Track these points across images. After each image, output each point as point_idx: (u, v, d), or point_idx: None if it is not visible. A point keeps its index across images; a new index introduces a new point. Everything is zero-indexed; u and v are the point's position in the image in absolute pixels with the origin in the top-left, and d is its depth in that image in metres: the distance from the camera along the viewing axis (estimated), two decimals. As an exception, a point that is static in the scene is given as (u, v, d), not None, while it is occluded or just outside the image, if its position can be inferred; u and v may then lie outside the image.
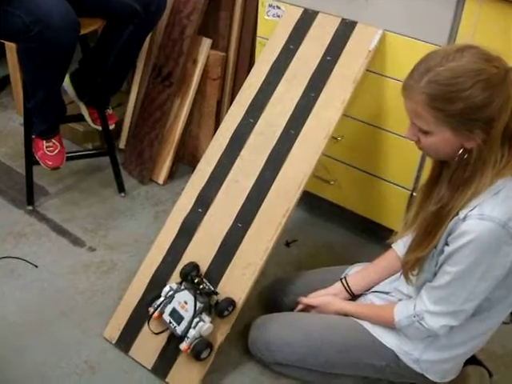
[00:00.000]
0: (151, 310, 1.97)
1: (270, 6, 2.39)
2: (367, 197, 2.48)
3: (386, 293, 1.91)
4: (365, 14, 2.16)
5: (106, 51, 2.64)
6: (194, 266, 1.99)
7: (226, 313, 1.92)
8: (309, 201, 2.65)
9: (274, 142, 2.08)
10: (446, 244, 1.58)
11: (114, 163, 2.82)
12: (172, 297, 1.95)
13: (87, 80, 2.74)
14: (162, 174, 2.96)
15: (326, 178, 2.51)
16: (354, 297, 1.99)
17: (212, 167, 2.13)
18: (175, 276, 2.04)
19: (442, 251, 1.59)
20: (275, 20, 2.38)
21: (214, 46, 2.84)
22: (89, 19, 2.47)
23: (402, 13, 2.09)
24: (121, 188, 2.87)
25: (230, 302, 1.92)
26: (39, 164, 2.64)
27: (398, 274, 1.92)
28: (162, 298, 1.96)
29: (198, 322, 1.89)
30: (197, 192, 2.11)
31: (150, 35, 2.85)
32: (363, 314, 1.88)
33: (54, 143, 2.61)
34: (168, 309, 1.94)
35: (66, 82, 2.77)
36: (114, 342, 2.10)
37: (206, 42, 2.82)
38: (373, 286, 1.97)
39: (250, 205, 2.02)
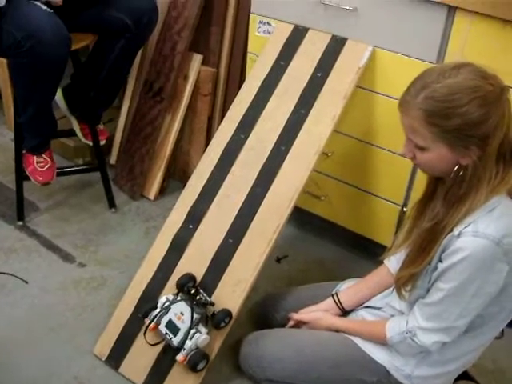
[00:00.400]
0: (147, 321, 1.95)
1: (261, 22, 2.40)
2: (358, 212, 2.49)
3: (378, 308, 1.91)
4: (355, 31, 2.18)
5: (97, 66, 2.65)
6: (190, 277, 1.99)
7: (222, 324, 1.91)
8: (299, 217, 2.65)
9: (265, 158, 2.09)
10: (440, 261, 1.58)
11: (105, 179, 2.81)
12: (168, 308, 1.93)
13: (79, 95, 2.74)
14: (153, 190, 2.96)
15: (317, 193, 2.51)
16: (345, 313, 1.99)
17: (203, 183, 2.13)
18: (166, 292, 2.03)
19: (436, 268, 1.59)
20: (266, 36, 2.39)
21: (204, 62, 2.85)
22: (80, 34, 2.47)
23: (391, 29, 2.10)
24: (111, 203, 2.87)
25: (227, 314, 1.92)
26: (30, 179, 2.63)
27: (390, 289, 1.92)
28: (158, 309, 1.95)
29: (194, 334, 1.88)
30: (187, 208, 2.11)
31: (141, 51, 2.86)
32: (354, 330, 1.87)
33: (44, 159, 2.61)
34: (164, 320, 1.93)
35: (58, 96, 2.77)
36: (104, 358, 2.09)
37: (197, 58, 2.83)
38: (364, 302, 1.97)
39: (240, 220, 2.02)
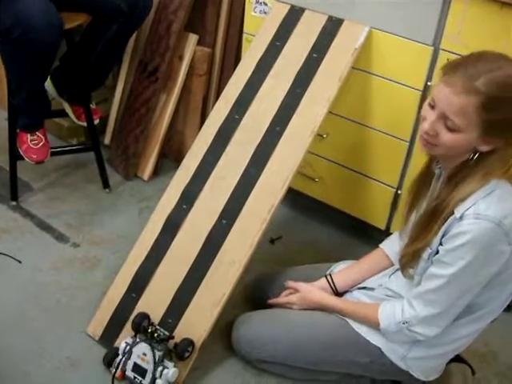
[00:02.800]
0: (112, 370, 1.94)
1: (257, 2, 2.39)
2: (352, 194, 2.49)
3: (371, 289, 1.91)
4: (351, 12, 2.16)
5: (89, 48, 2.63)
6: (143, 316, 1.96)
7: (186, 354, 1.90)
8: (294, 198, 2.65)
9: (260, 139, 2.08)
10: (441, 244, 1.58)
11: (99, 159, 2.80)
12: (130, 352, 1.92)
13: (68, 77, 2.72)
14: (147, 170, 2.95)
15: (311, 175, 2.51)
16: (338, 294, 1.99)
17: (197, 163, 2.12)
18: (158, 274, 2.03)
19: (437, 251, 1.59)
20: (262, 16, 2.38)
21: (200, 42, 2.83)
22: (74, 14, 2.46)
23: (388, 11, 2.09)
24: (105, 184, 2.86)
25: (189, 343, 1.90)
26: (23, 159, 2.62)
27: (386, 271, 1.93)
28: (120, 356, 1.93)
29: (162, 371, 1.87)
30: (181, 188, 2.10)
31: (136, 31, 2.84)
32: (345, 310, 1.88)
33: (38, 136, 2.60)
34: (129, 365, 1.92)
35: (47, 81, 2.75)
36: (97, 338, 2.09)
37: (193, 38, 2.82)
38: (358, 284, 1.97)
39: (234, 201, 2.02)
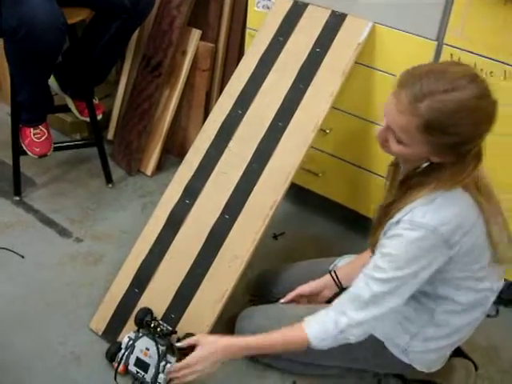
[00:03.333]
0: (115, 364, 1.94)
1: (260, -3, 2.39)
2: (355, 190, 2.48)
3: None
4: (355, 7, 2.15)
5: (91, 43, 2.63)
6: (146, 311, 1.98)
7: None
8: (296, 193, 2.65)
9: (263, 134, 2.08)
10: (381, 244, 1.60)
11: (102, 154, 2.80)
12: (133, 346, 1.92)
13: (70, 72, 2.72)
14: (150, 166, 2.95)
15: (314, 170, 2.50)
16: (342, 289, 1.98)
17: (200, 158, 2.12)
18: (161, 269, 2.03)
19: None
20: (265, 11, 2.37)
21: (203, 37, 2.83)
22: (77, 9, 2.46)
23: (391, 6, 2.08)
24: (108, 179, 2.86)
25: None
26: (26, 154, 2.62)
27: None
28: (123, 350, 1.94)
29: (164, 366, 1.87)
30: (184, 183, 2.10)
31: (139, 27, 2.83)
32: (264, 342, 1.75)
33: (41, 130, 2.60)
34: (132, 359, 1.92)
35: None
36: (100, 333, 2.09)
37: (196, 33, 2.81)
38: None
39: (237, 196, 2.02)
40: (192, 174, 2.11)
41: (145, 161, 2.97)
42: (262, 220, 1.96)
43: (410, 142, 1.47)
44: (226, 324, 2.08)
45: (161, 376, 1.87)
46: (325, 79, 2.10)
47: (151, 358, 1.88)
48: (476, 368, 2.01)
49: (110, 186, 2.87)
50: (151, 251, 2.08)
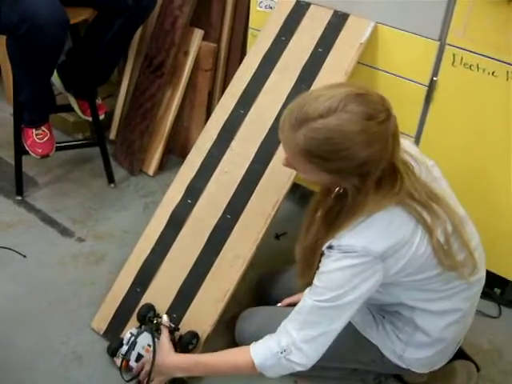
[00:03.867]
0: (117, 360, 1.95)
1: (262, -3, 2.39)
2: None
3: None
4: (357, 6, 2.15)
5: (94, 43, 2.63)
6: (149, 307, 1.98)
7: (191, 346, 1.90)
8: (298, 193, 2.64)
9: (265, 134, 2.07)
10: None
11: (104, 154, 2.80)
12: (134, 342, 1.93)
13: (74, 71, 2.72)
14: (152, 166, 2.95)
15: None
16: None
17: (202, 158, 2.12)
18: (163, 268, 2.03)
19: None
20: (267, 11, 2.37)
21: (205, 37, 2.83)
22: (80, 8, 2.46)
23: (394, 5, 2.08)
24: (110, 179, 2.86)
25: (194, 335, 1.91)
26: (28, 154, 2.62)
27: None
28: (124, 346, 1.94)
29: None
30: (186, 183, 2.10)
31: (141, 26, 2.83)
32: (209, 361, 1.76)
33: (43, 130, 2.60)
34: (133, 355, 1.92)
35: (53, 75, 2.75)
36: (101, 332, 2.09)
37: (198, 33, 2.81)
38: None
39: (239, 196, 2.02)
40: (194, 173, 2.11)
41: (147, 161, 2.97)
42: (264, 220, 1.96)
43: (304, 170, 1.47)
44: (227, 324, 2.09)
45: None
46: (327, 79, 2.09)
47: (152, 355, 1.88)
48: (478, 369, 2.00)
49: (112, 185, 2.87)
50: (153, 251, 2.08)
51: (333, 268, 1.50)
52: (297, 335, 1.57)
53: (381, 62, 2.18)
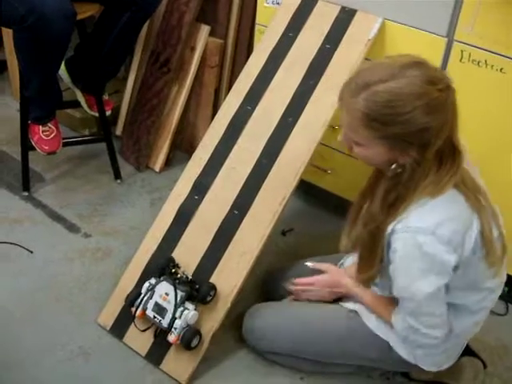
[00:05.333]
0: (133, 309, 1.95)
1: (270, -7, 2.38)
2: (364, 186, 2.47)
3: None
4: (365, 2, 2.15)
5: (102, 38, 2.63)
6: (168, 259, 1.99)
7: (208, 298, 1.91)
8: (305, 190, 2.64)
9: (272, 130, 2.07)
10: (389, 260, 1.57)
11: (111, 150, 2.81)
12: (152, 291, 1.93)
13: (82, 66, 2.72)
14: (159, 162, 2.95)
15: (323, 166, 2.49)
16: None
17: (209, 154, 2.12)
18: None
19: (390, 262, 1.58)
20: (275, 7, 2.37)
21: (212, 34, 2.82)
22: (86, 4, 2.46)
23: (402, 1, 2.07)
24: (117, 175, 2.86)
25: (211, 287, 1.92)
26: (35, 150, 2.63)
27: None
28: (142, 295, 1.95)
29: (182, 311, 1.88)
30: (193, 179, 2.10)
31: (148, 21, 2.83)
32: (371, 306, 1.83)
33: (50, 127, 2.60)
34: (150, 304, 1.93)
35: (62, 69, 2.76)
36: (108, 328, 2.09)
37: (205, 29, 2.81)
38: None
39: (246, 192, 2.01)
40: (201, 169, 2.11)
41: (153, 157, 2.97)
42: (271, 216, 1.95)
43: (363, 141, 1.46)
44: (235, 320, 2.09)
45: (177, 322, 1.88)
46: (334, 75, 2.09)
47: (169, 304, 1.89)
48: (485, 366, 2.00)
49: (119, 181, 2.87)
50: (160, 247, 2.08)
51: (400, 254, 1.50)
52: (414, 322, 1.61)
53: (388, 59, 2.17)
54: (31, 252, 2.43)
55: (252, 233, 1.96)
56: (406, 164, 1.46)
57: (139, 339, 2.02)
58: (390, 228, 1.50)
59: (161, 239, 2.08)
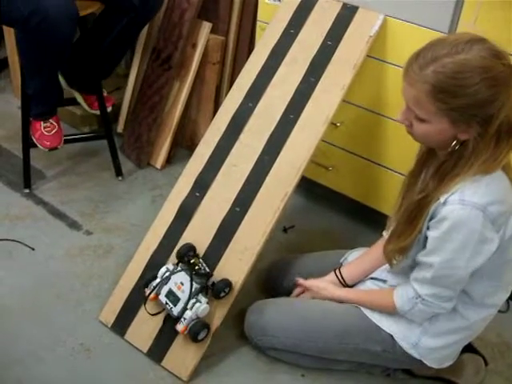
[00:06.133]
0: (147, 291, 1.96)
1: (271, -11, 2.38)
2: (365, 183, 2.47)
3: (384, 281, 1.90)
4: (366, -1, 2.15)
5: (99, 38, 2.63)
6: (190, 247, 1.98)
7: (222, 294, 1.91)
8: (307, 187, 2.64)
9: (273, 127, 2.07)
10: (428, 228, 1.58)
11: (112, 147, 2.80)
12: (168, 278, 1.93)
13: (77, 66, 2.72)
14: (160, 159, 2.95)
15: (325, 163, 2.49)
16: (348, 287, 1.98)
17: (210, 151, 2.12)
18: (172, 260, 2.03)
19: (426, 237, 1.59)
20: (276, 4, 2.36)
21: (213, 30, 2.82)
22: (88, 1, 2.47)
23: (403, -2, 2.08)
24: (118, 172, 2.86)
25: (227, 284, 1.91)
26: (36, 147, 2.63)
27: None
28: (158, 279, 1.95)
29: (194, 303, 1.88)
30: (195, 176, 2.10)
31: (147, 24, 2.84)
32: (360, 301, 1.87)
33: (51, 123, 2.61)
34: (164, 290, 1.93)
35: None
36: (109, 325, 2.09)
37: (206, 26, 2.80)
38: (368, 274, 1.96)
39: (248, 189, 2.01)
40: (202, 166, 2.11)
41: (155, 154, 2.97)
42: (272, 212, 1.95)
43: (427, 115, 1.47)
44: (237, 316, 2.09)
45: (187, 313, 1.88)
46: (336, 72, 2.09)
47: (183, 293, 1.89)
48: (486, 363, 2.00)
49: (120, 178, 2.87)
50: (161, 244, 2.08)
51: (449, 227, 1.51)
52: (428, 290, 1.64)
53: (390, 55, 2.17)
54: (33, 249, 2.43)
55: (253, 229, 1.96)
56: (468, 140, 1.48)
57: (141, 336, 2.02)
58: (442, 199, 1.51)
59: (162, 236, 2.08)
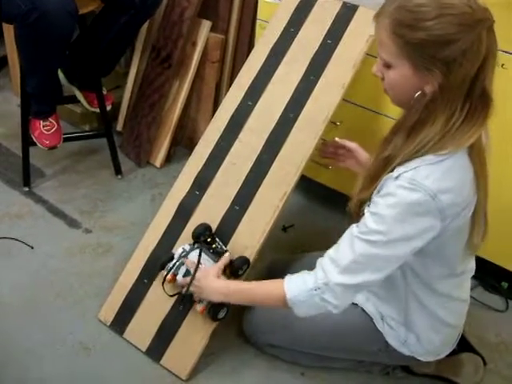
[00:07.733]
0: (164, 272, 1.92)
1: (271, -12, 2.38)
2: (365, 183, 2.47)
3: None
4: (366, -2, 2.15)
5: (99, 36, 2.63)
6: (205, 228, 1.97)
7: (240, 272, 1.90)
8: (306, 186, 2.64)
9: (273, 125, 2.07)
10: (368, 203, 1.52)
11: (111, 145, 2.80)
12: (185, 258, 1.91)
13: (77, 64, 2.72)
14: (160, 157, 2.95)
15: (324, 162, 2.49)
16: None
17: (210, 150, 2.12)
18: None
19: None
20: (276, 2, 2.36)
21: (213, 29, 2.82)
22: (88, -1, 2.47)
23: (403, -3, 2.07)
24: (118, 170, 2.86)
25: (245, 261, 1.90)
26: (36, 145, 2.63)
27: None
28: (174, 260, 1.91)
29: None
30: (194, 174, 2.10)
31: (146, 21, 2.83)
32: (248, 291, 1.76)
33: (50, 122, 2.61)
34: (182, 270, 1.89)
35: None
36: (108, 323, 2.09)
37: (206, 25, 2.80)
38: None
39: (247, 187, 2.01)
40: (202, 165, 2.10)
41: (154, 152, 2.97)
42: (271, 212, 1.95)
43: (389, 57, 1.43)
44: (236, 315, 2.08)
45: None
46: (336, 71, 2.09)
47: None
48: (485, 363, 2.00)
49: (120, 177, 2.87)
50: (160, 242, 2.08)
51: (392, 203, 1.43)
52: (334, 278, 1.52)
53: (390, 54, 2.17)
54: (32, 247, 2.43)
55: (253, 228, 1.96)
56: (433, 94, 1.41)
57: (140, 335, 2.02)
58: (396, 173, 1.45)
59: (161, 235, 2.08)
